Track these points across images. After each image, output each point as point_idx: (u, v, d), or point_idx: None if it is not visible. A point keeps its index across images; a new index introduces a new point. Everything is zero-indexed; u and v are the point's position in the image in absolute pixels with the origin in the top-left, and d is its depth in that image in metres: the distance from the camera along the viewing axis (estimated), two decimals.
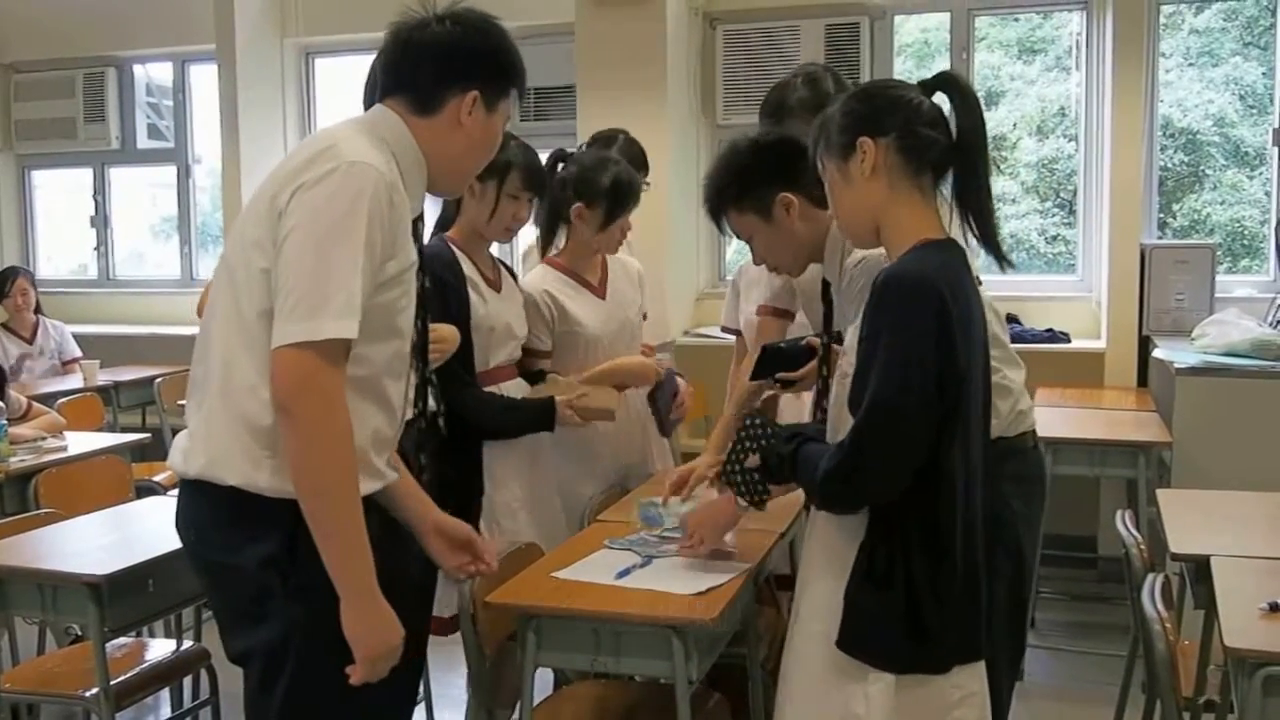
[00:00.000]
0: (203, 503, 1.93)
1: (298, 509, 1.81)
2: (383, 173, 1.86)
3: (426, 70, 2.00)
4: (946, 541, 1.94)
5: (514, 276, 3.23)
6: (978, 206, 2.03)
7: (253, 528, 1.87)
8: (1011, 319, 5.42)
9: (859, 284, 2.42)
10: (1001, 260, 2.07)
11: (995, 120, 5.98)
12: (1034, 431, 2.77)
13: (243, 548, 1.88)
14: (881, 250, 2.26)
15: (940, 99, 2.06)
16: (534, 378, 3.22)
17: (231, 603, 1.98)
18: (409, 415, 2.20)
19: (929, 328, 1.87)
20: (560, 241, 3.37)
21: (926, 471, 1.90)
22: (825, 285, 2.65)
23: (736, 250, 6.54)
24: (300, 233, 1.81)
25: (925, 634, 1.92)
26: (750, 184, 2.50)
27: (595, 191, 3.23)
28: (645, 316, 3.61)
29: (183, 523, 1.99)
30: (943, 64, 5.82)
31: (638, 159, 3.94)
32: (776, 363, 2.83)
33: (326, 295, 1.77)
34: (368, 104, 2.30)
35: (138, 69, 7.48)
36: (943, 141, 2.02)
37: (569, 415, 3.04)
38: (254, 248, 1.86)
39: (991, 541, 2.04)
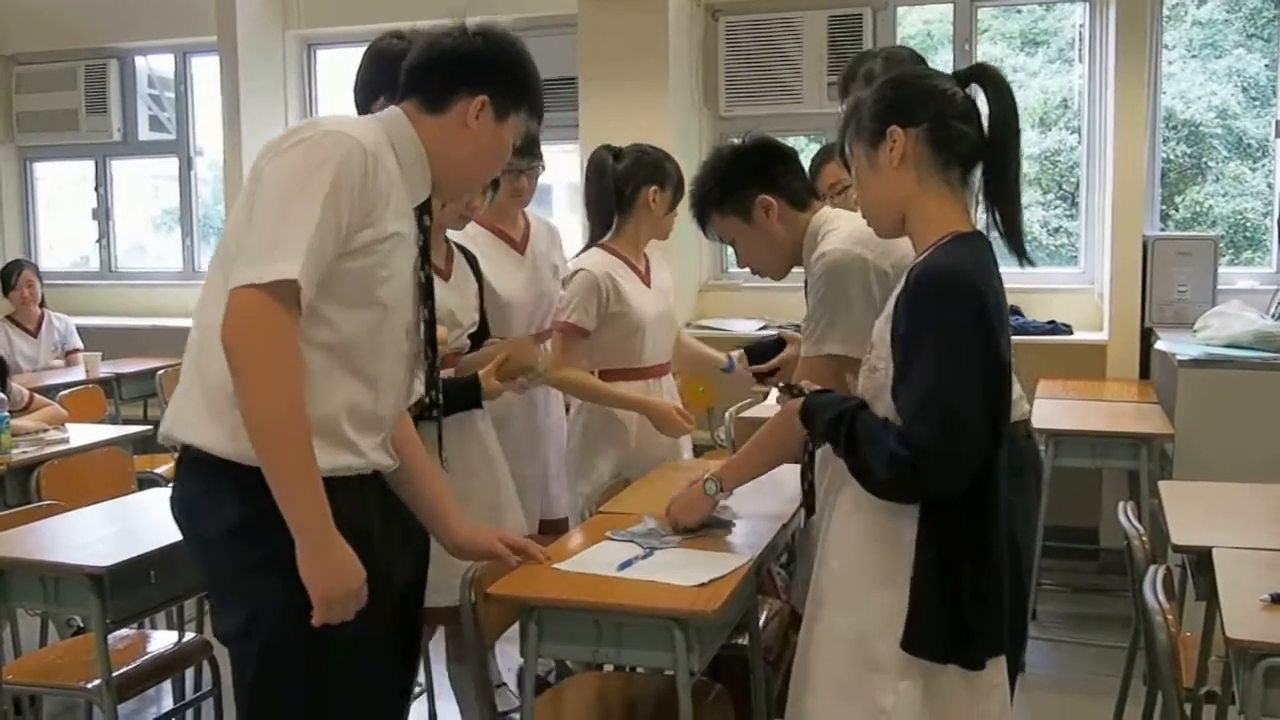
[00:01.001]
0: (182, 476, 1.99)
1: (260, 476, 1.83)
2: (360, 143, 1.91)
3: (440, 72, 2.08)
4: (991, 537, 1.93)
5: (474, 264, 3.24)
6: (1006, 202, 2.02)
7: (220, 497, 1.90)
8: (1014, 311, 5.41)
9: (817, 276, 2.52)
10: (1023, 258, 2.06)
11: None
12: (1028, 420, 2.77)
13: (212, 519, 1.92)
14: (835, 246, 2.30)
15: (973, 90, 2.05)
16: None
17: (210, 579, 2.01)
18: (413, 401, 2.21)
19: (971, 323, 1.86)
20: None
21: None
22: (807, 283, 2.69)
23: None
24: (264, 190, 1.89)
25: (967, 630, 1.91)
26: (731, 187, 2.61)
27: (665, 175, 3.49)
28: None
29: (173, 501, 2.04)
30: (945, 56, 5.81)
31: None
32: (752, 358, 2.97)
33: (276, 242, 1.82)
34: (359, 103, 2.35)
35: (139, 61, 7.48)
36: (974, 136, 2.01)
37: (495, 386, 3.04)
38: (242, 215, 1.91)
39: None
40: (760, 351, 3.00)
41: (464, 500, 2.99)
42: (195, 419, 1.93)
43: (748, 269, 2.78)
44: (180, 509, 2.01)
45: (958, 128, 2.00)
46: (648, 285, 3.56)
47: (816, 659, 2.08)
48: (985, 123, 2.02)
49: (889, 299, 2.01)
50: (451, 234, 3.33)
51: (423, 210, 2.11)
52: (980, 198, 2.05)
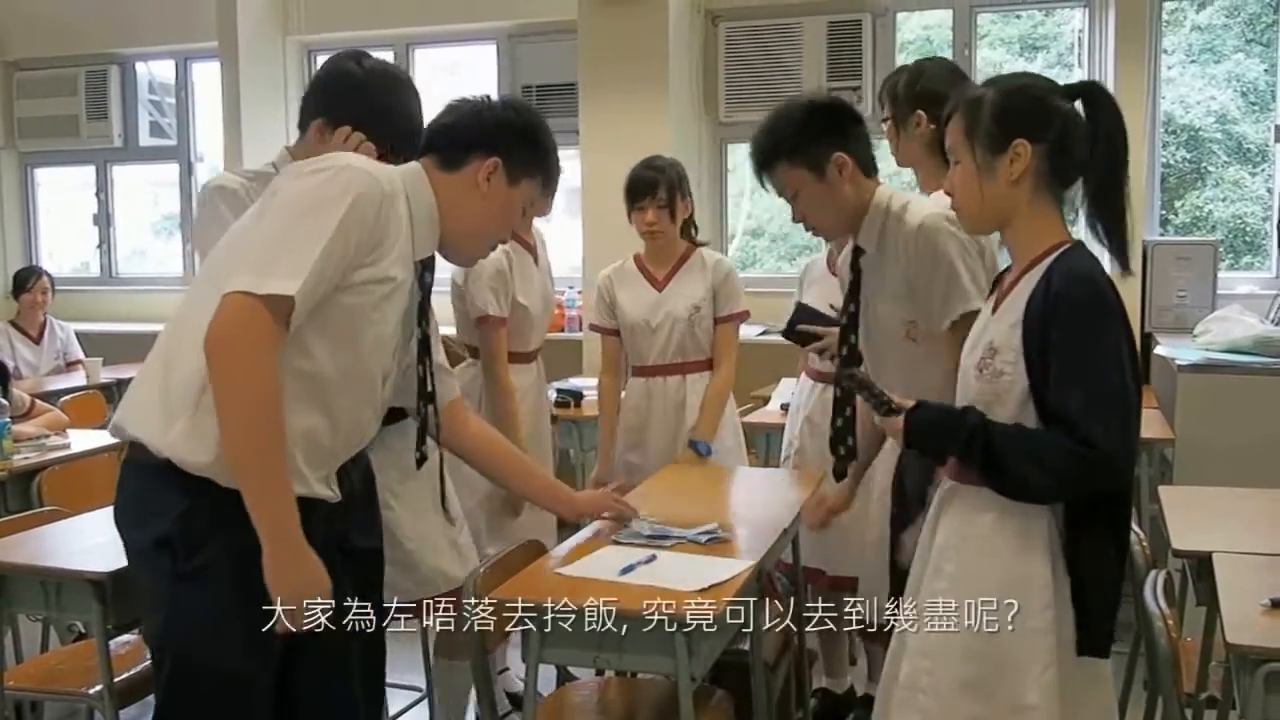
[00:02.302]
0: (122, 481, 2.00)
1: (199, 485, 1.84)
2: (380, 181, 1.95)
3: (458, 132, 2.16)
4: (1127, 529, 2.06)
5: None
6: (1111, 218, 2.05)
7: (152, 504, 1.91)
8: None
9: (922, 242, 2.50)
10: (1127, 267, 2.11)
11: None
12: None
13: (144, 529, 1.93)
14: (931, 213, 2.43)
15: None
16: None
17: (140, 584, 2.02)
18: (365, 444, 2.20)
19: (1122, 327, 1.96)
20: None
21: None
22: (856, 253, 2.68)
23: (739, 247, 6.54)
24: (277, 205, 1.91)
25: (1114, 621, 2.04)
26: (808, 138, 2.51)
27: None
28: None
29: (114, 507, 2.04)
30: None
31: None
32: (804, 318, 3.05)
33: (280, 257, 1.84)
34: (303, 109, 2.51)
35: (140, 66, 7.49)
36: (1084, 156, 2.03)
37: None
38: (249, 225, 1.93)
39: None
40: (815, 319, 3.03)
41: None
42: (147, 415, 1.93)
43: (802, 224, 2.69)
44: (118, 515, 2.02)
45: (1075, 151, 2.01)
46: (659, 290, 3.76)
47: (927, 669, 2.09)
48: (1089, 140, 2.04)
49: (990, 299, 2.12)
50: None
51: (425, 267, 2.14)
52: (1082, 212, 2.07)
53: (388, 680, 2.65)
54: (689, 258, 3.79)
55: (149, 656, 2.02)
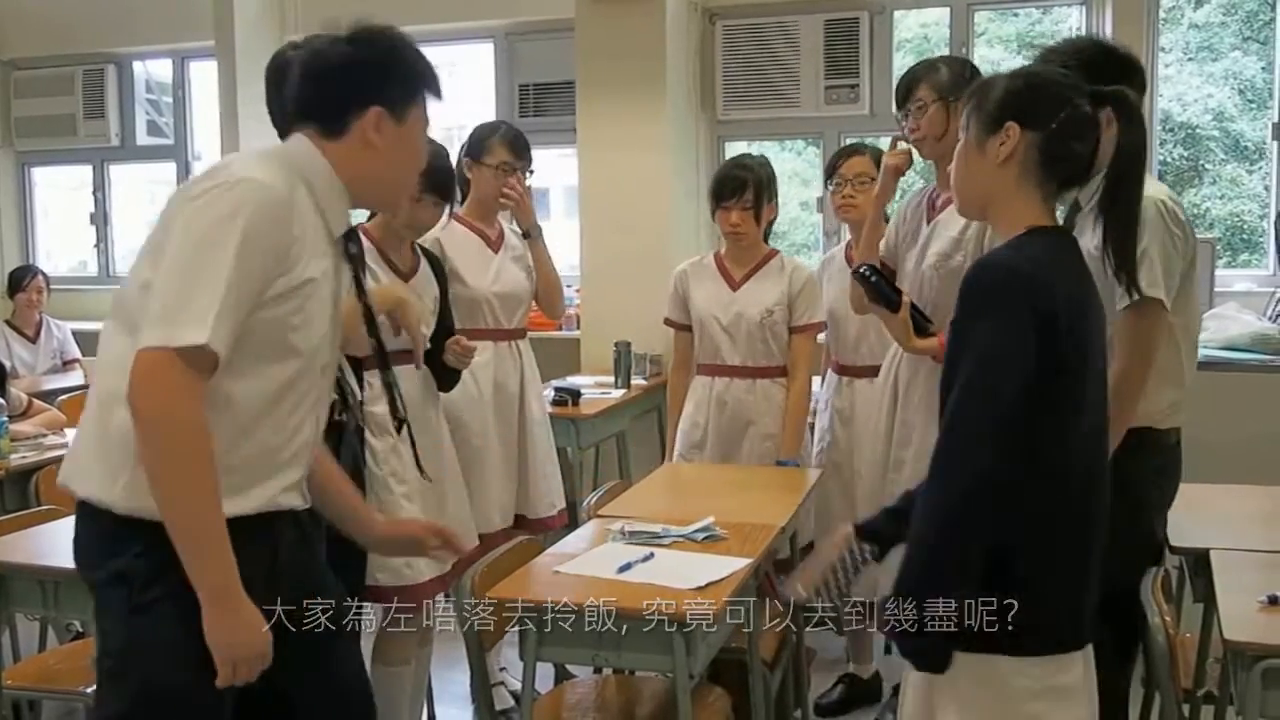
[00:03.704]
0: (79, 522, 1.95)
1: (152, 526, 1.79)
2: (272, 190, 1.85)
3: (325, 94, 1.99)
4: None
5: (437, 268, 3.33)
6: (1122, 231, 2.04)
7: (109, 545, 1.87)
8: None
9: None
10: (1133, 288, 2.10)
11: None
12: (1179, 429, 2.77)
13: (100, 565, 1.89)
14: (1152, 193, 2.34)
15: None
16: None
17: (97, 618, 1.97)
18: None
19: (1019, 319, 1.85)
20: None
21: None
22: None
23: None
24: (174, 244, 1.82)
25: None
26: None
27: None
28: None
29: (73, 543, 1.99)
30: None
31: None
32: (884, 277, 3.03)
33: (188, 303, 1.76)
34: (278, 127, 2.31)
35: (137, 65, 7.47)
36: (1085, 160, 2.00)
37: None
38: (144, 260, 1.87)
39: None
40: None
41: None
42: (90, 474, 1.89)
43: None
44: (77, 557, 1.98)
45: (1073, 148, 1.99)
46: (734, 289, 3.76)
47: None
48: (1111, 149, 2.02)
49: None
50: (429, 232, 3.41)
51: (350, 238, 2.05)
52: (1095, 224, 2.08)
53: None
54: (769, 261, 3.78)
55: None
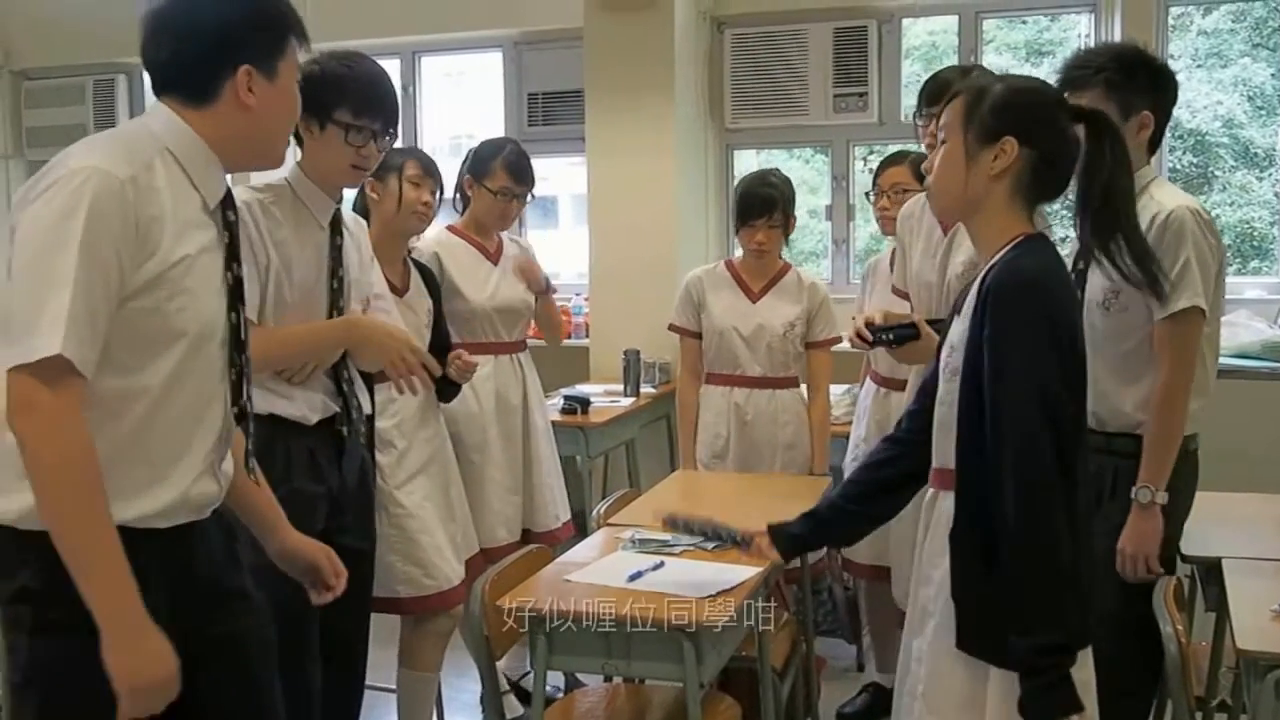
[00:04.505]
0: None
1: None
2: (112, 174, 1.71)
3: (185, 59, 1.84)
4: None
5: (430, 282, 3.36)
6: (1138, 247, 2.06)
7: (11, 560, 1.77)
8: None
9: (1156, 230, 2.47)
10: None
11: None
12: (1196, 435, 2.75)
13: (5, 581, 1.79)
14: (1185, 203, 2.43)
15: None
16: None
17: (4, 634, 1.87)
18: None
19: (1050, 327, 1.90)
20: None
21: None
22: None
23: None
24: (18, 251, 1.70)
25: None
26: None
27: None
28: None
29: None
30: None
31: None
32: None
33: (39, 313, 1.64)
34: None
35: (147, 76, 7.50)
36: (1068, 178, 2.04)
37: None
38: (3, 272, 1.74)
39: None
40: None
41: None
42: None
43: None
44: None
45: (1062, 169, 2.02)
46: (754, 301, 3.79)
47: (932, 676, 2.08)
48: (1085, 167, 2.04)
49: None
50: (426, 244, 3.43)
51: (226, 205, 1.91)
52: (1080, 242, 2.11)
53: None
54: (785, 275, 3.83)
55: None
